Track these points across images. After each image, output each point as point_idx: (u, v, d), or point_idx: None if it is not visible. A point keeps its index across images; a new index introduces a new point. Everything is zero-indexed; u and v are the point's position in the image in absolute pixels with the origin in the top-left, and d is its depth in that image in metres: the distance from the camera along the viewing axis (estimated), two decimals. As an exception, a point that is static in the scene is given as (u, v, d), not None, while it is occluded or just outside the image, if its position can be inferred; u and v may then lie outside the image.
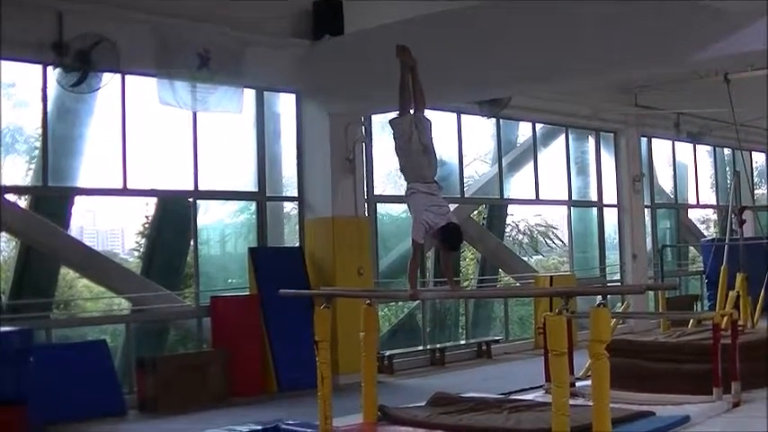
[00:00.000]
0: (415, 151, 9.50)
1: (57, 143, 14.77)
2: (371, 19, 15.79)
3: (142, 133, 15.20)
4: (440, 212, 9.31)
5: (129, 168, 14.85)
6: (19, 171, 15.14)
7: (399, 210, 19.55)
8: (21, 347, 11.08)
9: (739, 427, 10.15)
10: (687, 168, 28.15)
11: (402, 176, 9.74)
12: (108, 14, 13.89)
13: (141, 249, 17.47)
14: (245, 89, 15.70)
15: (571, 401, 8.52)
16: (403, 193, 9.76)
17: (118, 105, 14.74)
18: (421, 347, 19.10)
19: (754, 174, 31.34)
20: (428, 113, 9.80)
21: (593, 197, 24.15)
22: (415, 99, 9.72)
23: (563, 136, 23.31)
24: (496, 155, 21.63)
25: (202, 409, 13.92)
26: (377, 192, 18.33)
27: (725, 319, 12.03)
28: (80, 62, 13.55)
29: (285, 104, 17.29)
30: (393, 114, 9.82)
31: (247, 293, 16.08)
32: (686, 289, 26.81)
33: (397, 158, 9.68)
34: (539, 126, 22.60)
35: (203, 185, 15.90)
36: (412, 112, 9.68)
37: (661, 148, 26.65)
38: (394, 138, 9.71)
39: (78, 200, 15.70)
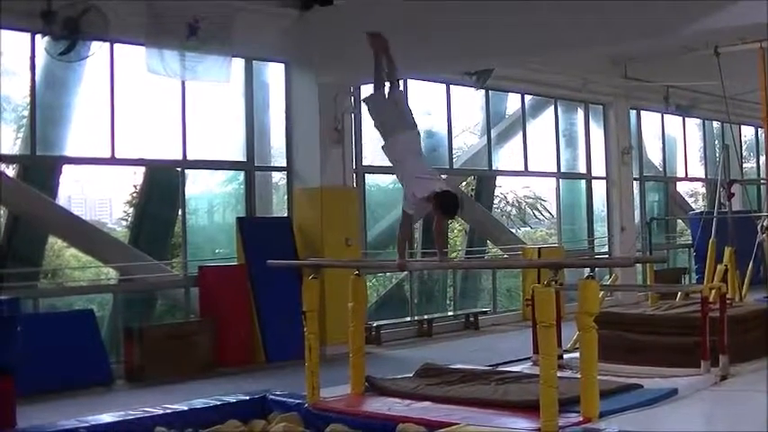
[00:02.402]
0: (388, 107, 9.65)
1: (45, 112, 14.70)
2: (361, -12, 15.75)
3: (130, 102, 15.14)
4: (430, 180, 9.34)
5: (118, 137, 14.81)
6: (7, 140, 15.05)
7: (388, 180, 19.54)
8: (8, 317, 11.02)
9: (727, 400, 10.19)
10: (676, 141, 28.16)
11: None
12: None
13: (129, 219, 17.42)
14: (233, 58, 15.63)
15: (559, 373, 8.55)
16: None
17: (106, 74, 14.67)
18: (409, 319, 19.15)
19: (743, 147, 31.31)
20: (417, 84, 9.90)
21: (582, 169, 24.13)
22: (389, 77, 9.85)
23: (552, 108, 23.29)
24: (485, 126, 21.59)
25: (190, 378, 13.93)
26: (365, 162, 18.29)
27: (713, 292, 12.06)
28: (69, 30, 13.46)
29: (274, 74, 17.25)
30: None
31: (235, 263, 16.08)
32: (674, 262, 26.84)
33: (377, 128, 9.79)
34: (528, 98, 22.55)
35: (192, 155, 15.86)
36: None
37: (650, 121, 26.61)
38: (369, 112, 9.86)
39: (66, 169, 15.64)
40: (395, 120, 9.64)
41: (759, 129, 30.85)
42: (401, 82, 10.29)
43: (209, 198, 18.09)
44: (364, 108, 17.77)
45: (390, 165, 9.99)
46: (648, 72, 23.12)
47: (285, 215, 17.06)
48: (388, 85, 9.87)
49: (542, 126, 23.27)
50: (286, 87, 17.00)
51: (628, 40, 13.86)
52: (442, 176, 10.22)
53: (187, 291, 15.88)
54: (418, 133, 9.80)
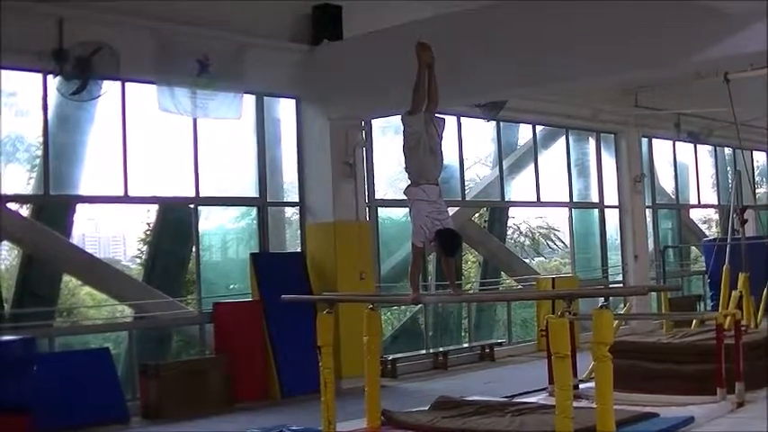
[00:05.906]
0: (423, 152, 9.52)
1: (58, 151, 14.75)
2: (370, 24, 15.80)
3: (143, 140, 15.18)
4: (439, 218, 9.34)
5: (131, 175, 14.82)
6: (20, 179, 15.13)
7: (401, 214, 19.53)
8: (24, 356, 11.07)
9: (743, 428, 10.15)
10: (688, 168, 28.12)
11: (406, 176, 9.72)
12: (108, 21, 13.89)
13: (143, 256, 17.46)
14: (244, 95, 15.70)
15: (575, 403, 8.52)
16: (403, 197, 9.78)
17: (118, 113, 14.72)
18: (424, 351, 19.08)
19: (756, 173, 31.32)
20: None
21: (595, 198, 24.13)
22: (429, 98, 9.74)
23: (563, 137, 23.29)
24: (497, 157, 21.62)
25: (205, 415, 13.93)
26: (378, 196, 18.34)
27: (728, 319, 12.03)
28: (80, 70, 13.54)
29: (285, 110, 17.29)
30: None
31: (249, 299, 16.06)
32: (688, 289, 26.79)
33: (404, 156, 9.68)
34: (539, 128, 22.57)
35: (204, 192, 15.88)
36: (424, 110, 9.71)
37: (662, 149, 26.61)
38: (404, 135, 9.70)
39: (80, 207, 15.69)
40: (425, 167, 9.58)
41: (771, 154, 30.95)
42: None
43: (223, 234, 18.11)
44: (377, 140, 18.06)
45: (402, 199, 9.98)
46: (659, 100, 23.15)
47: (298, 250, 17.06)
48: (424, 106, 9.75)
49: (554, 156, 23.29)
50: (297, 123, 17.04)
51: (633, 71, 13.88)
52: (451, 210, 10.15)
53: (202, 327, 15.87)
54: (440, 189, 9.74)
